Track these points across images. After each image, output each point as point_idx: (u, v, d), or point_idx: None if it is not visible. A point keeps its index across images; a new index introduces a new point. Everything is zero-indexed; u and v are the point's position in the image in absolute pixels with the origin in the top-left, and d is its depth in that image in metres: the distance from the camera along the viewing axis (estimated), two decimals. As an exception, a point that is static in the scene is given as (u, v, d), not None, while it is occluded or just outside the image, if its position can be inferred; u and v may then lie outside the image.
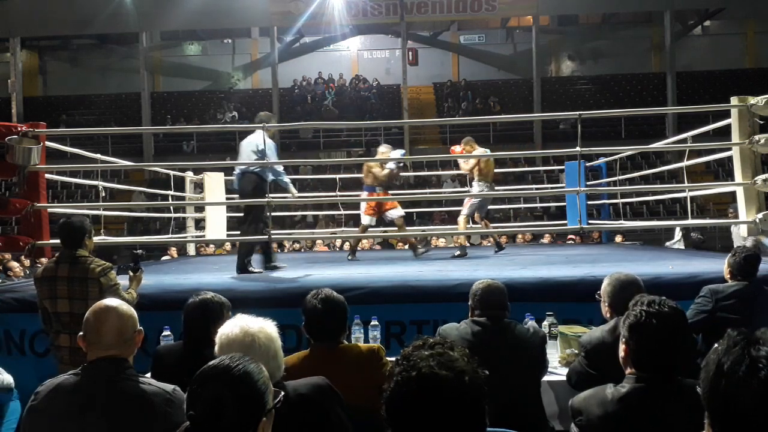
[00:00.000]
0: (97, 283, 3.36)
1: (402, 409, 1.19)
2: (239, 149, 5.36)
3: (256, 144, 5.13)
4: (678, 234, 8.84)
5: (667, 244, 8.95)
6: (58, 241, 5.39)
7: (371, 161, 7.04)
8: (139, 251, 4.15)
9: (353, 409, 2.24)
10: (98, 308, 2.09)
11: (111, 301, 2.14)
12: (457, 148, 6.78)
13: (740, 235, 8.95)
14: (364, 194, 6.78)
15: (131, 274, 3.77)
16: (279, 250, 9.99)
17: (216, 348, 1.93)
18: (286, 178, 5.31)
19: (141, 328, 2.14)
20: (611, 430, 1.86)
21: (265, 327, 1.96)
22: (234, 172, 5.36)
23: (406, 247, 8.11)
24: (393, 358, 2.88)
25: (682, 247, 8.36)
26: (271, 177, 5.17)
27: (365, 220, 6.74)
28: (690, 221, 7.53)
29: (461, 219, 6.64)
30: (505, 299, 2.87)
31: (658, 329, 1.87)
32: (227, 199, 7.65)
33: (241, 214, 5.64)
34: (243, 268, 5.07)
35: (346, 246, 11.43)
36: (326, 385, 2.10)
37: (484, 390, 1.20)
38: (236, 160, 5.39)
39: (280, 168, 5.30)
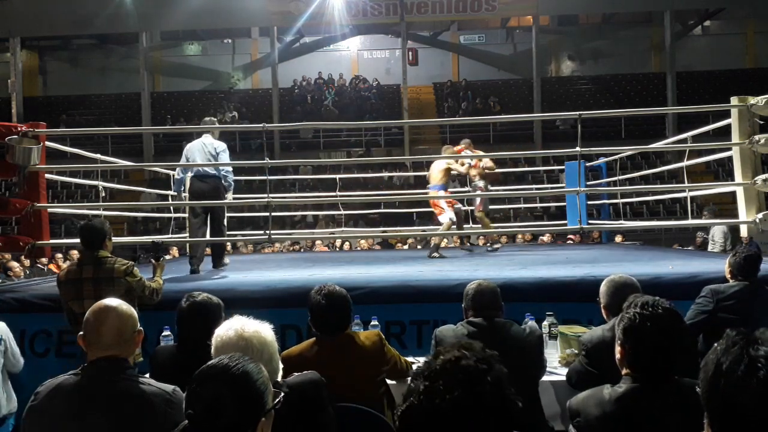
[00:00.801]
0: (124, 282, 3.46)
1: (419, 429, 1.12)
2: (188, 152, 5.41)
3: (215, 147, 5.31)
4: (719, 235, 8.76)
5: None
6: (57, 241, 5.46)
7: (449, 158, 6.90)
8: (160, 240, 4.38)
9: (359, 393, 2.34)
10: (98, 308, 2.08)
11: (111, 301, 2.13)
12: (460, 149, 7.01)
13: (713, 236, 9.09)
14: (438, 192, 6.65)
15: (154, 262, 3.93)
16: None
17: (212, 350, 1.94)
18: (232, 180, 5.48)
19: (141, 328, 2.14)
20: (609, 430, 1.85)
21: (261, 330, 1.95)
22: (177, 176, 5.59)
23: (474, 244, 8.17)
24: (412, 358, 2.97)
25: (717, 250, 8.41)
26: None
27: (450, 214, 6.60)
28: (690, 221, 7.52)
29: (481, 215, 6.91)
30: (497, 299, 2.87)
31: (653, 332, 1.86)
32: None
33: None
34: (221, 263, 5.59)
35: (346, 246, 11.50)
36: (320, 381, 2.13)
37: (513, 420, 1.15)
38: (182, 163, 5.52)
39: (231, 170, 5.48)
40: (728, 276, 3.55)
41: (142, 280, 3.57)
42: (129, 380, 1.96)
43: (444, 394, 1.08)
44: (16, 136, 4.87)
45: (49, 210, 5.54)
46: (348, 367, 2.51)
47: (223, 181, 5.31)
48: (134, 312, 2.13)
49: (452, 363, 1.14)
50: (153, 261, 3.95)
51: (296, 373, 2.20)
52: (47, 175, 5.39)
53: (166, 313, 3.63)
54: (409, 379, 1.18)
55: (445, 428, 1.08)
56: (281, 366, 2.04)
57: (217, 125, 5.68)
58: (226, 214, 5.87)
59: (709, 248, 9.09)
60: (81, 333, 2.06)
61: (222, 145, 5.35)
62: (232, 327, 1.95)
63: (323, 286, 2.73)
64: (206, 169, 5.27)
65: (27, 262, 8.63)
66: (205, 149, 5.29)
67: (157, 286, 3.70)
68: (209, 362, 1.49)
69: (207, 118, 5.73)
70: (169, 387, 1.97)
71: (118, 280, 3.44)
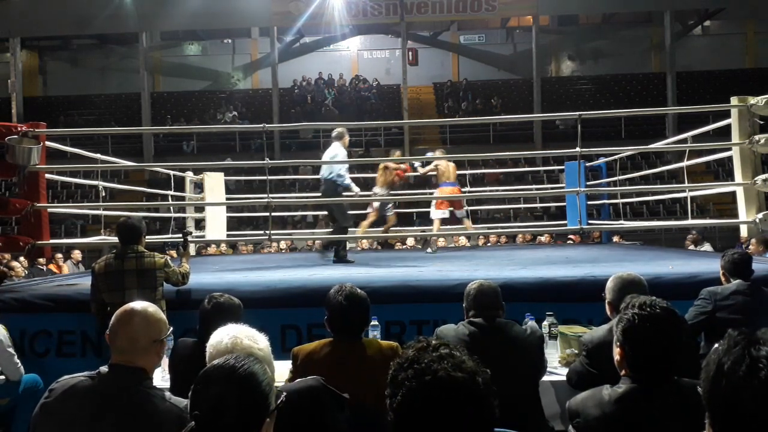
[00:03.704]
0: (163, 272, 3.86)
1: (418, 414, 1.15)
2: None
3: (330, 155, 6.22)
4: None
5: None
6: (57, 241, 5.49)
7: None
8: (188, 229, 4.80)
9: (369, 402, 2.30)
10: (123, 310, 2.00)
11: (138, 305, 2.03)
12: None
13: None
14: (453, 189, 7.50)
15: (182, 250, 4.47)
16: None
17: (207, 358, 1.92)
18: (347, 181, 6.16)
19: (164, 338, 2.02)
20: (609, 431, 1.85)
21: (258, 340, 1.95)
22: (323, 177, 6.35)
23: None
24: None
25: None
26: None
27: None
28: (690, 221, 7.53)
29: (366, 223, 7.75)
30: (498, 299, 2.87)
31: (652, 332, 1.86)
32: (227, 199, 7.68)
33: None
34: (341, 257, 6.06)
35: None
36: (321, 387, 2.11)
37: (493, 388, 1.19)
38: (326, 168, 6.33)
39: (343, 173, 6.13)
40: (723, 279, 3.58)
41: (175, 269, 3.98)
42: (144, 393, 1.89)
43: (429, 369, 1.16)
44: (16, 136, 4.87)
45: (49, 210, 5.54)
46: (356, 371, 2.47)
47: (337, 182, 6.03)
48: (162, 320, 2.03)
49: (422, 348, 1.22)
50: (181, 248, 4.47)
51: (299, 379, 2.19)
52: (47, 175, 5.39)
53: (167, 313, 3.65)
54: (390, 377, 1.21)
55: (433, 402, 1.14)
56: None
57: (341, 134, 6.25)
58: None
59: None
60: (108, 331, 2.01)
61: (340, 152, 6.12)
62: (226, 335, 1.94)
63: (342, 286, 2.71)
64: (323, 174, 6.13)
65: (26, 262, 8.61)
66: (327, 156, 6.21)
67: (185, 270, 4.08)
68: (214, 362, 1.48)
69: (340, 129, 6.29)
70: (182, 402, 1.88)
71: (159, 271, 3.82)
